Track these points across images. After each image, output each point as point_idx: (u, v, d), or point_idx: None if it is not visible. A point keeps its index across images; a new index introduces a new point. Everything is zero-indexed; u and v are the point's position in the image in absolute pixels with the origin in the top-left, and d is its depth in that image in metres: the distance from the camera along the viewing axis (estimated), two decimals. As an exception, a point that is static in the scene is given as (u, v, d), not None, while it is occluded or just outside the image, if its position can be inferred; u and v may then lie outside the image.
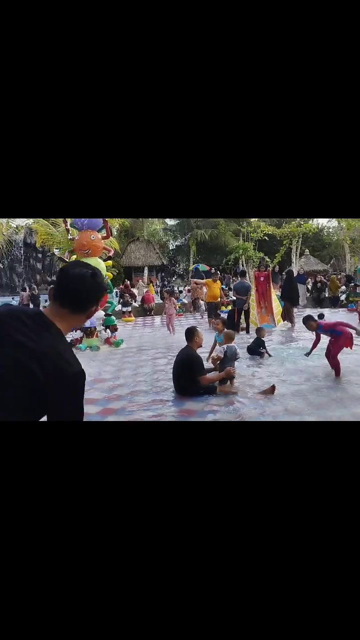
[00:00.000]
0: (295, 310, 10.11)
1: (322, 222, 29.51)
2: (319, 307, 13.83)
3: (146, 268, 25.70)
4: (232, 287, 12.32)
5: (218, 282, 10.58)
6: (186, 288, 18.30)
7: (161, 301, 14.06)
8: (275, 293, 9.97)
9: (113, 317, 8.80)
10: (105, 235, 8.24)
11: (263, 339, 6.64)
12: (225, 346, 5.10)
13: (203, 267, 20.88)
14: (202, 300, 12.84)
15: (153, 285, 19.44)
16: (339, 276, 16.86)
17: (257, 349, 6.58)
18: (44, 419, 1.18)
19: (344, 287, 14.88)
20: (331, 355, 5.20)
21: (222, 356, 5.06)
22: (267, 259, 17.79)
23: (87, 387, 1.25)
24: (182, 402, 4.60)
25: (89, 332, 8.03)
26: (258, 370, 5.86)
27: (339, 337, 5.08)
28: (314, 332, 5.41)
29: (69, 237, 8.60)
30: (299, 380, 5.24)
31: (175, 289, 17.99)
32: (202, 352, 5.35)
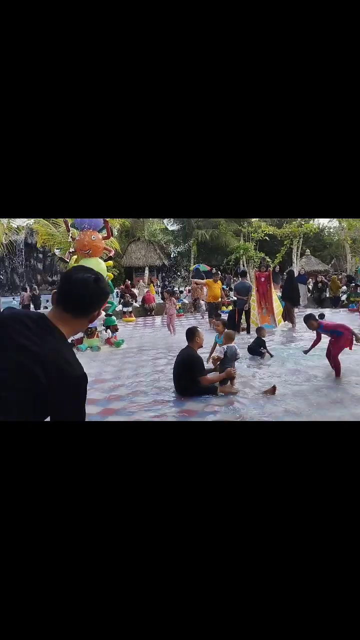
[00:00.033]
0: (296, 310, 10.10)
1: (323, 222, 29.51)
2: (319, 307, 13.82)
3: (147, 268, 25.71)
4: (232, 287, 12.32)
5: (219, 282, 10.57)
6: (187, 288, 18.30)
7: (162, 301, 14.07)
8: (276, 293, 9.96)
9: (114, 318, 8.81)
10: (106, 235, 8.25)
11: (264, 338, 6.63)
12: (225, 346, 5.10)
13: (204, 267, 20.88)
14: (202, 300, 12.84)
15: (154, 286, 19.44)
16: (340, 276, 16.84)
17: (257, 349, 6.57)
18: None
19: (344, 287, 14.86)
20: (332, 356, 5.20)
21: (222, 356, 5.06)
22: (268, 259, 17.77)
23: (87, 387, 1.25)
24: (182, 403, 4.60)
25: (90, 333, 8.03)
26: (258, 370, 5.86)
27: (340, 338, 5.07)
28: (315, 332, 5.40)
29: (69, 238, 8.61)
30: (300, 380, 5.23)
31: (176, 289, 17.99)
32: (203, 353, 5.35)
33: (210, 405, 4.46)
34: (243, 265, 20.33)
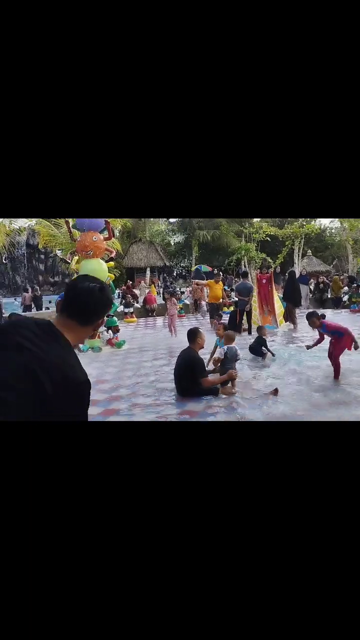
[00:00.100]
0: (297, 311, 10.09)
1: (325, 222, 29.51)
2: (321, 307, 13.80)
3: (148, 269, 25.73)
4: (234, 288, 12.31)
5: (220, 283, 10.58)
6: (188, 289, 18.32)
7: (163, 302, 14.07)
8: (277, 294, 9.95)
9: (115, 318, 8.81)
10: (107, 236, 8.25)
11: (264, 337, 6.62)
12: (225, 347, 5.10)
13: (205, 268, 20.89)
14: (203, 301, 12.84)
15: (155, 286, 19.45)
16: (342, 277, 16.81)
17: (259, 348, 6.55)
18: None
19: (346, 288, 14.84)
20: (333, 356, 5.19)
21: (223, 357, 5.06)
22: (270, 260, 17.76)
23: None
24: (183, 404, 4.60)
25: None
26: (259, 371, 5.86)
27: (341, 339, 5.07)
28: (317, 330, 5.39)
29: (71, 238, 8.62)
30: (300, 381, 5.23)
31: (177, 289, 17.99)
32: (203, 354, 5.34)
33: (211, 406, 4.46)
34: (244, 266, 20.33)
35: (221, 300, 10.20)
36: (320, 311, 5.45)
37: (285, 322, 9.82)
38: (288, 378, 5.39)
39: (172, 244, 30.37)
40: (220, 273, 12.51)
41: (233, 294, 11.46)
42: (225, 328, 5.92)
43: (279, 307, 9.69)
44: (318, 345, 5.46)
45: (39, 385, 1.10)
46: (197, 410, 4.38)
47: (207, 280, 12.57)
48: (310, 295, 15.04)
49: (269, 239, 19.95)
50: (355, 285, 13.97)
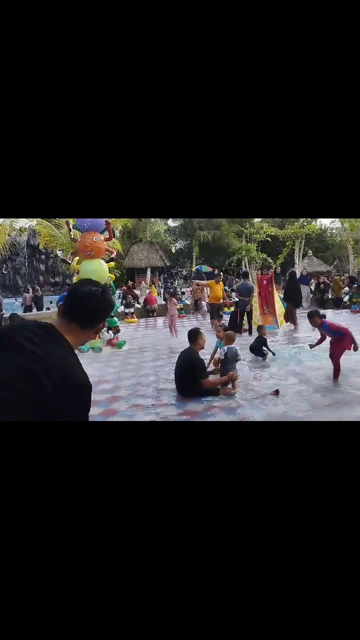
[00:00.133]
0: (298, 311, 10.09)
1: (326, 223, 29.52)
2: (322, 308, 13.80)
3: (149, 269, 25.74)
4: (234, 288, 12.31)
5: (221, 283, 10.58)
6: (188, 289, 18.34)
7: (164, 302, 14.07)
8: (278, 294, 9.96)
9: (115, 319, 8.82)
10: (107, 236, 8.26)
11: (265, 337, 6.62)
12: (226, 347, 5.10)
13: (206, 268, 20.91)
14: (204, 301, 12.84)
15: (155, 287, 19.46)
16: (342, 277, 16.81)
17: (259, 348, 6.55)
18: None
19: (347, 289, 14.84)
20: (335, 357, 5.18)
21: (223, 358, 5.06)
22: (270, 260, 17.76)
23: None
24: (184, 404, 4.60)
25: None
26: (260, 372, 5.86)
27: (341, 339, 5.06)
28: (318, 330, 5.38)
29: (71, 239, 8.63)
30: (301, 381, 5.23)
31: (178, 290, 17.99)
32: (203, 355, 5.34)
33: (212, 407, 4.46)
34: (245, 267, 20.33)
35: (222, 300, 10.20)
36: (320, 312, 5.45)
37: (286, 322, 9.82)
38: (288, 378, 5.39)
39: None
40: (221, 273, 12.52)
41: (234, 294, 11.46)
42: (225, 329, 5.92)
43: (279, 307, 9.69)
44: (320, 344, 5.46)
45: (39, 385, 1.10)
46: (198, 410, 4.38)
47: (207, 280, 12.58)
48: (311, 296, 15.04)
49: (269, 239, 19.95)
50: (356, 285, 13.97)
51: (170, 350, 7.68)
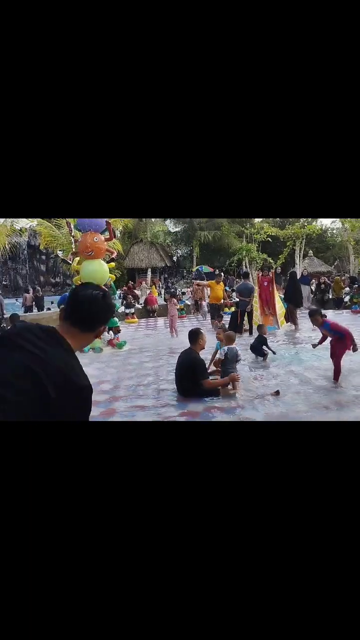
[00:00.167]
0: (298, 311, 10.09)
1: (326, 223, 29.51)
2: (322, 308, 13.79)
3: (149, 270, 25.75)
4: (235, 288, 12.31)
5: (221, 283, 10.58)
6: (189, 290, 18.34)
7: (164, 302, 14.08)
8: (278, 295, 9.95)
9: (116, 319, 8.82)
10: (108, 237, 8.26)
11: (265, 336, 6.61)
12: (226, 348, 5.10)
13: (206, 268, 20.91)
14: (204, 302, 12.84)
15: (156, 287, 19.46)
16: (343, 277, 16.81)
17: (260, 347, 6.54)
18: None
19: (347, 289, 14.83)
20: (336, 357, 5.18)
21: (223, 358, 5.06)
22: (271, 261, 17.75)
23: None
24: (184, 404, 4.60)
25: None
26: (260, 372, 5.85)
27: (342, 340, 5.06)
28: (319, 329, 5.37)
29: (72, 239, 8.63)
30: (301, 381, 5.23)
31: (178, 290, 18.00)
32: (204, 355, 5.34)
33: (212, 407, 4.46)
34: (245, 267, 20.33)
35: (222, 300, 10.20)
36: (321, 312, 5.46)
37: (287, 322, 9.81)
38: (289, 378, 5.39)
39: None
40: (222, 274, 12.52)
41: (234, 294, 11.46)
42: (225, 330, 5.91)
43: (280, 307, 9.69)
44: (322, 344, 5.45)
45: (39, 384, 1.10)
46: (198, 411, 4.38)
47: (208, 280, 12.58)
48: (312, 296, 15.04)
49: (270, 239, 19.94)
50: (356, 285, 13.96)
51: (171, 350, 7.68)
